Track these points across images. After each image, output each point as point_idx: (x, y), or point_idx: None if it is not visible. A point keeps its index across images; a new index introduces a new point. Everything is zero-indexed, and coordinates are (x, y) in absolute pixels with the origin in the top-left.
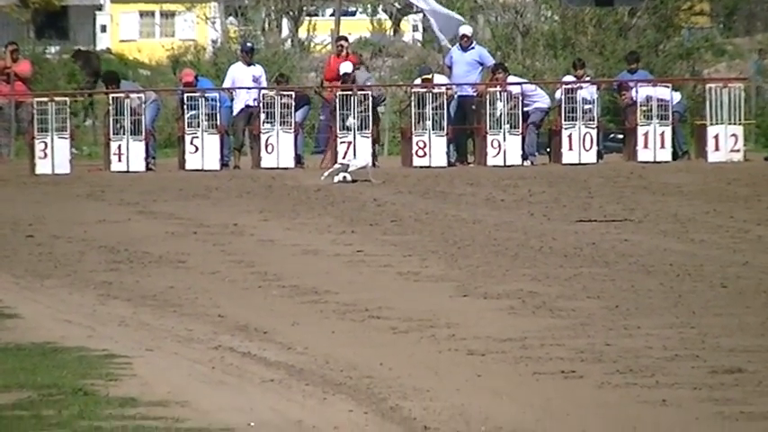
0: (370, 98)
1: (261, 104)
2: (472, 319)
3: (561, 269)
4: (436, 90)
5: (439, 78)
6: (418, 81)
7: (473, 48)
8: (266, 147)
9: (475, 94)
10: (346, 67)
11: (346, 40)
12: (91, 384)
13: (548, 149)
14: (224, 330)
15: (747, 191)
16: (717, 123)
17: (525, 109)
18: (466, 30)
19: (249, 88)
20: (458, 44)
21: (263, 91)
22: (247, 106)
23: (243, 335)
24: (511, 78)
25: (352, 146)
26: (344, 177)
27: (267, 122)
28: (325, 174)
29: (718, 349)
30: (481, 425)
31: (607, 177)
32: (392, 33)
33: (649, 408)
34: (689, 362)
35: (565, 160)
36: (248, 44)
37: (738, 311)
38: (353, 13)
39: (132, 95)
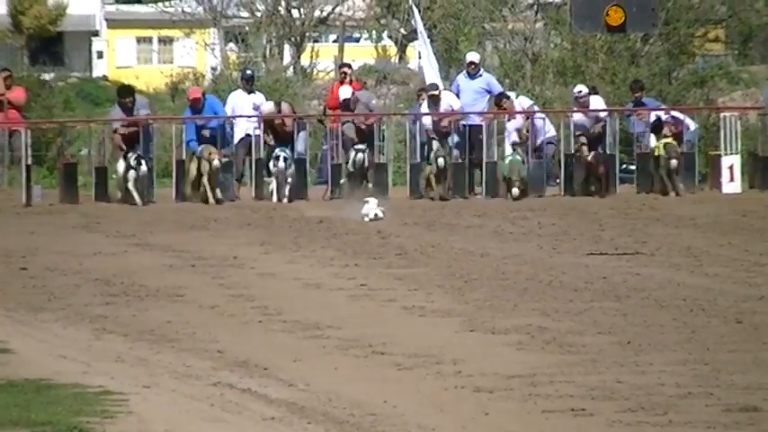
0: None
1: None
2: (479, 354)
3: (571, 304)
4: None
5: (447, 96)
6: (424, 99)
7: (481, 75)
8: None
9: (482, 123)
10: (345, 93)
11: (350, 66)
12: (86, 422)
13: (557, 180)
14: (223, 366)
15: (763, 223)
16: (731, 153)
17: (537, 142)
18: (473, 57)
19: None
20: (465, 71)
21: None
22: (247, 135)
23: (243, 371)
24: (524, 101)
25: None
26: (376, 215)
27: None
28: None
29: (733, 387)
30: None
31: (618, 209)
32: (397, 60)
33: None
34: (702, 400)
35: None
36: (248, 71)
37: (753, 347)
38: (357, 40)
39: (141, 111)
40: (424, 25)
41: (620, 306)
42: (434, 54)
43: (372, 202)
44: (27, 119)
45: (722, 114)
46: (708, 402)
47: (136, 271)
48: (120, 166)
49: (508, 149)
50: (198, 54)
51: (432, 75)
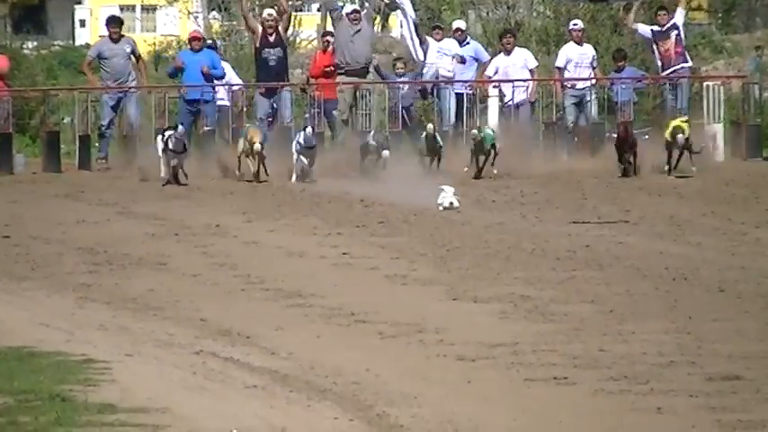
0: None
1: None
2: (462, 323)
3: (554, 272)
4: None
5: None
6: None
7: (468, 43)
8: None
9: (470, 91)
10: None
11: (333, 35)
12: (69, 390)
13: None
14: (206, 335)
15: (745, 192)
16: (714, 122)
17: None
18: (460, 23)
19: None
20: (452, 38)
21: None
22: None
23: (225, 339)
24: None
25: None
26: (451, 203)
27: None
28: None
29: (716, 355)
30: (472, 431)
31: (601, 178)
32: (380, 29)
33: (644, 415)
34: (685, 368)
35: None
36: (209, 41)
37: (736, 316)
38: (341, 9)
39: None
40: None
41: (602, 275)
42: (416, 23)
43: (448, 190)
44: (10, 87)
45: (705, 83)
46: (690, 371)
47: (119, 239)
48: (159, 145)
49: (492, 118)
50: (181, 22)
51: (413, 48)
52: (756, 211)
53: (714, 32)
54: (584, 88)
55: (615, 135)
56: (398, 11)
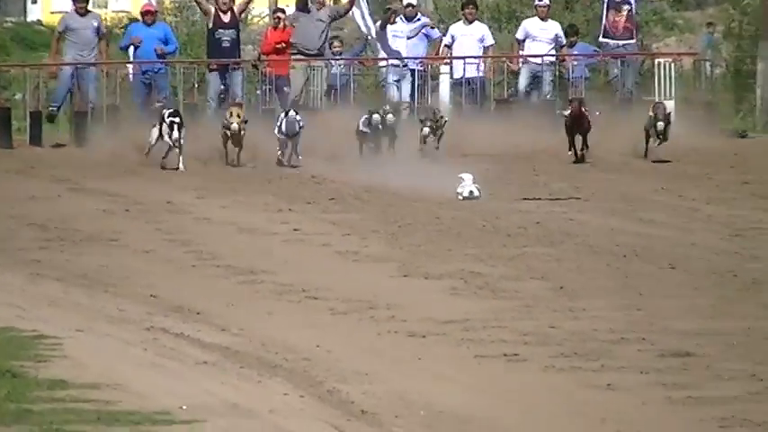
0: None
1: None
2: (413, 300)
3: (505, 249)
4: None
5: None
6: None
7: (419, 19)
8: None
9: (421, 68)
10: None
11: (283, 11)
12: (20, 366)
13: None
14: (158, 311)
15: (696, 169)
16: (666, 99)
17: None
18: None
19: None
20: (402, 15)
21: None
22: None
23: (177, 316)
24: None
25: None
26: (471, 192)
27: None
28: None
29: (667, 332)
30: (421, 409)
31: (553, 154)
32: (331, 4)
33: (595, 392)
34: (636, 345)
35: None
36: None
37: (687, 293)
38: None
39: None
40: None
41: (553, 251)
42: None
43: (467, 178)
44: None
45: (657, 60)
46: (641, 348)
47: (71, 216)
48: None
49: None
50: None
51: (364, 24)
52: (707, 187)
53: (666, 9)
54: (540, 64)
55: (566, 113)
56: None
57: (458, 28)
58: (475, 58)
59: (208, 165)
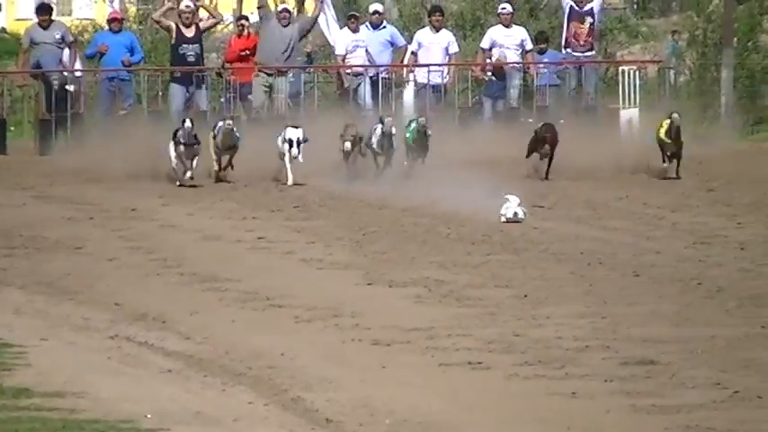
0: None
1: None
2: (377, 307)
3: (469, 256)
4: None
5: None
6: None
7: (385, 27)
8: None
9: (386, 75)
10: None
11: (247, 19)
12: None
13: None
14: (122, 319)
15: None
16: (630, 107)
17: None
18: (377, 6)
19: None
20: (367, 22)
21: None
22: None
23: (141, 324)
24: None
25: None
26: (515, 214)
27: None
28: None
29: (631, 340)
30: (386, 417)
31: (517, 162)
32: (296, 12)
33: (559, 400)
34: (600, 353)
35: None
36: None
37: (651, 301)
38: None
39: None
40: None
41: (518, 259)
42: (334, 7)
43: (513, 200)
44: None
45: (621, 68)
46: (605, 355)
47: (35, 223)
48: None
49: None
50: (97, 6)
51: (327, 32)
52: (672, 195)
53: (630, 17)
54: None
55: (535, 130)
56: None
57: (424, 35)
58: (439, 65)
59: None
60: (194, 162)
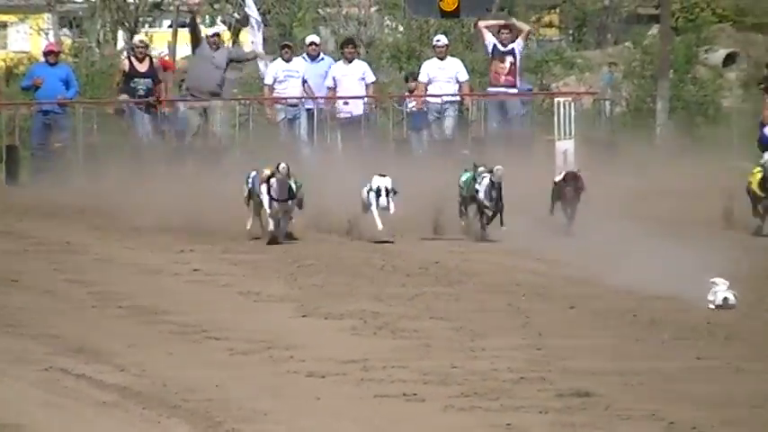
0: None
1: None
2: (313, 340)
3: (404, 289)
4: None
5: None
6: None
7: (323, 59)
8: None
9: (322, 106)
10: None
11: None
12: None
13: None
14: (59, 351)
15: (600, 205)
16: (565, 138)
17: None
18: (313, 38)
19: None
20: (305, 53)
21: None
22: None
23: (78, 356)
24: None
25: None
26: (725, 299)
27: None
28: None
29: (566, 372)
30: None
31: (452, 192)
32: (231, 45)
33: (495, 431)
34: (535, 385)
35: None
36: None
37: (587, 333)
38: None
39: None
40: (258, 10)
41: (453, 291)
42: (265, 41)
43: (721, 283)
44: None
45: (556, 99)
46: (540, 387)
47: None
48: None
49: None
50: (32, 39)
51: (262, 65)
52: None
53: (566, 49)
54: (444, 103)
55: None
56: (250, 27)
57: (338, 68)
58: (360, 97)
59: (108, 204)
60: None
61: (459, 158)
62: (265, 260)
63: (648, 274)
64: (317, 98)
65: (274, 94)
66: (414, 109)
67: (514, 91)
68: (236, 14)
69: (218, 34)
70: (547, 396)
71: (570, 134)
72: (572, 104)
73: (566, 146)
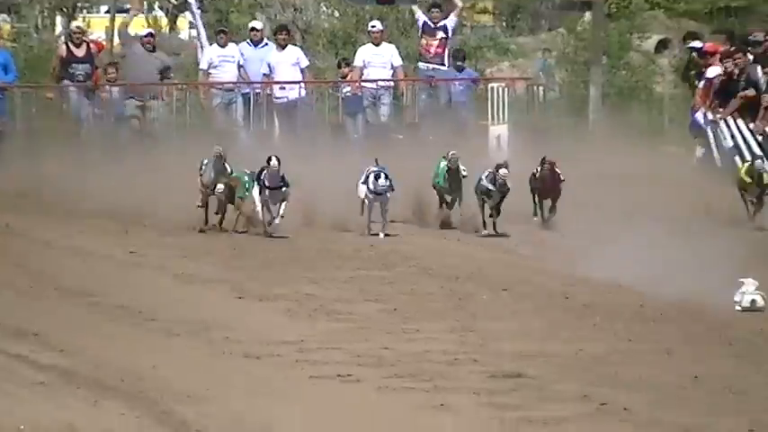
0: None
1: None
2: (248, 321)
3: (339, 271)
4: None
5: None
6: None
7: (266, 44)
8: None
9: (258, 91)
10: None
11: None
12: None
13: None
14: None
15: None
16: (499, 123)
17: None
18: (256, 24)
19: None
20: (248, 40)
21: None
22: None
23: (14, 338)
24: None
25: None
26: (753, 302)
27: None
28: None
29: (499, 354)
30: (257, 429)
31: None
32: (168, 31)
33: (428, 412)
34: (468, 366)
35: None
36: None
37: (519, 316)
38: (128, 11)
39: None
40: None
41: (387, 274)
42: (205, 26)
43: (749, 283)
44: None
45: (490, 85)
46: (473, 369)
47: None
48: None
49: None
50: None
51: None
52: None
53: (499, 35)
54: (378, 88)
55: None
56: (188, 12)
57: (273, 55)
58: (296, 82)
59: (47, 188)
60: (281, 207)
61: (393, 143)
62: (199, 243)
63: (582, 258)
64: (252, 83)
65: (210, 79)
66: (349, 94)
67: (444, 68)
68: (172, 1)
69: (152, 34)
70: (479, 378)
71: (504, 119)
72: (506, 90)
73: (499, 131)
